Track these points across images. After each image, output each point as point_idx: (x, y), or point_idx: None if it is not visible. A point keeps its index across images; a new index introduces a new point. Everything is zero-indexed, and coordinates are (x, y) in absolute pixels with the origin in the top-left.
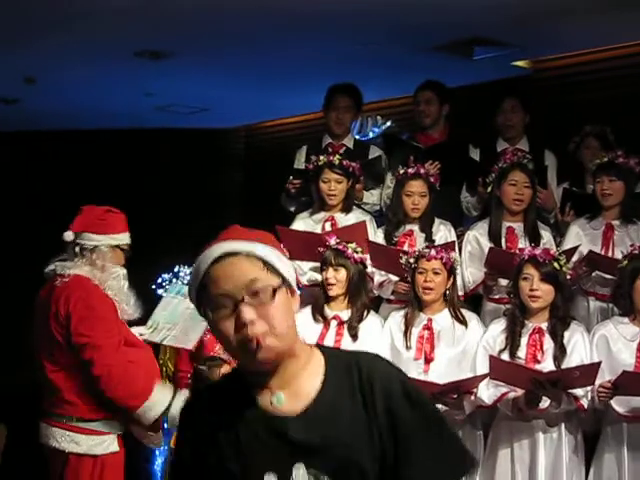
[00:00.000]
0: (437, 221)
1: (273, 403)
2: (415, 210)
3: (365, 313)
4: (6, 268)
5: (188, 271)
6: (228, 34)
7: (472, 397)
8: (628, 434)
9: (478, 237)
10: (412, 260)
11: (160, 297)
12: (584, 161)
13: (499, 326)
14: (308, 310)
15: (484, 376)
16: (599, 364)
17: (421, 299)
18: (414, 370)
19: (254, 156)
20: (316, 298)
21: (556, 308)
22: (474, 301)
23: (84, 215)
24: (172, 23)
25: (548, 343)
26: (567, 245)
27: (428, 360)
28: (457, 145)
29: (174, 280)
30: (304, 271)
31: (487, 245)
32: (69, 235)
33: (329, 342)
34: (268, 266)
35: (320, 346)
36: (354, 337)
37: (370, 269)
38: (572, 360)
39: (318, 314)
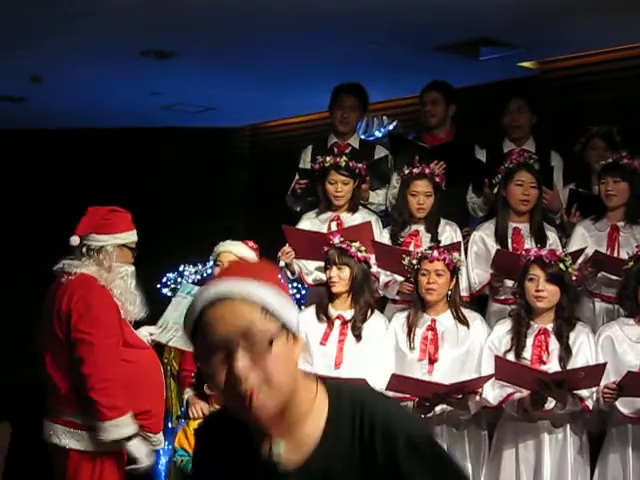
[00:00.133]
0: (443, 222)
1: (273, 452)
2: (420, 210)
3: (369, 313)
4: (11, 267)
5: (193, 270)
6: (233, 34)
7: (477, 397)
8: (633, 435)
9: (484, 238)
10: (415, 261)
11: (165, 296)
12: (590, 162)
13: (504, 327)
14: (312, 309)
15: (489, 377)
16: (604, 365)
17: (424, 300)
18: (418, 371)
19: (259, 156)
20: (320, 297)
21: (562, 309)
22: (480, 302)
23: (89, 216)
24: (177, 23)
25: (553, 344)
26: (572, 246)
27: (432, 361)
28: (463, 145)
29: (179, 279)
30: (310, 271)
31: (493, 246)
32: (75, 240)
33: (333, 342)
34: (266, 310)
35: (326, 381)
36: (358, 337)
37: (375, 269)
38: (577, 361)
39: (322, 313)
